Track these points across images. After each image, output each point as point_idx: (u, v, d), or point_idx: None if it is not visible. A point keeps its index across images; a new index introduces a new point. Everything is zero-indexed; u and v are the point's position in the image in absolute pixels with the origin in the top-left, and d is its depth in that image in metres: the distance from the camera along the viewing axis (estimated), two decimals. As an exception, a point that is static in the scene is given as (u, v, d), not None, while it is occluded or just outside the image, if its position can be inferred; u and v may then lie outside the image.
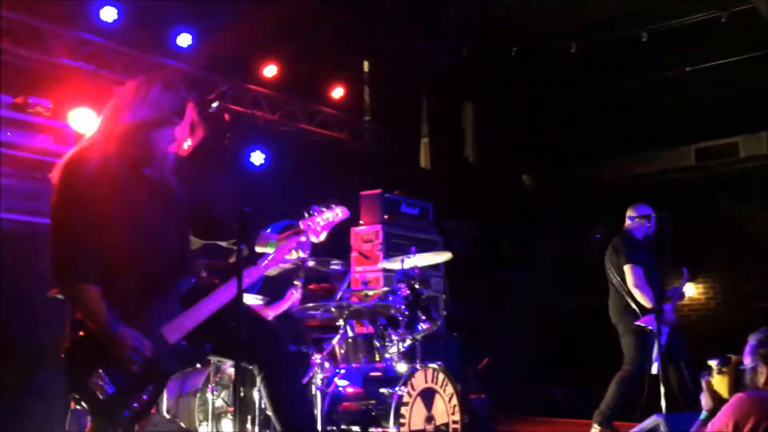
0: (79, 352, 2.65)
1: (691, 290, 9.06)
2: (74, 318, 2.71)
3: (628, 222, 5.79)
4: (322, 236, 3.28)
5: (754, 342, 2.79)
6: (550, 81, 8.35)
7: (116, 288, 2.67)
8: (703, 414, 2.95)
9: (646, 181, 8.81)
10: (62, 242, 2.66)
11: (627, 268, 5.49)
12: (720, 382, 2.91)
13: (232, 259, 3.23)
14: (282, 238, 3.15)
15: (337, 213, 3.31)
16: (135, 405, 2.63)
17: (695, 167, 8.78)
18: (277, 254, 3.12)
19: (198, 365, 3.93)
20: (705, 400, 2.97)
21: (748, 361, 2.79)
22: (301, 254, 3.21)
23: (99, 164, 2.71)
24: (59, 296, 2.80)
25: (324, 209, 3.29)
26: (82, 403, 2.60)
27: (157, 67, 6.42)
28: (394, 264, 4.92)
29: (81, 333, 2.66)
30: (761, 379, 2.73)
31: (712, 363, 2.93)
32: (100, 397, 2.58)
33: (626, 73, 8.04)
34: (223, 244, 3.17)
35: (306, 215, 3.27)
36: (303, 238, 3.19)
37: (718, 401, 2.87)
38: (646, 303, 5.33)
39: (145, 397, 2.66)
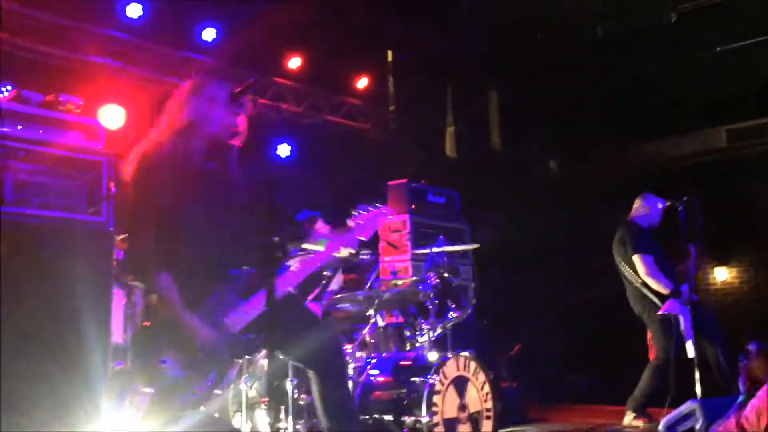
0: (148, 338, 2.77)
1: (724, 274, 8.94)
2: (144, 306, 2.83)
3: (632, 211, 5.75)
4: (370, 234, 3.39)
5: None
6: (576, 66, 8.25)
7: (182, 276, 2.76)
8: (741, 397, 2.91)
9: (678, 165, 8.69)
10: (140, 235, 2.78)
11: (636, 258, 5.48)
12: (758, 366, 2.86)
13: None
14: (331, 237, 3.26)
15: (383, 212, 3.42)
16: (199, 389, 2.74)
17: (727, 149, 8.63)
18: (327, 251, 3.21)
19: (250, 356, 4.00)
20: (743, 384, 2.93)
21: None
22: (351, 251, 3.29)
23: (168, 159, 2.83)
24: (136, 283, 2.88)
25: (370, 208, 3.40)
26: (147, 387, 2.73)
27: (183, 63, 6.48)
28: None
29: (146, 323, 2.76)
30: None
31: (750, 347, 2.88)
32: (167, 381, 2.69)
33: (654, 56, 7.92)
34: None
35: (353, 213, 3.36)
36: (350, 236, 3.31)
37: (757, 384, 2.82)
38: (662, 289, 5.33)
39: (208, 383, 2.76)
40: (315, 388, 3.05)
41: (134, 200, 2.84)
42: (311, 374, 3.05)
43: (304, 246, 3.26)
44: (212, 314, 2.78)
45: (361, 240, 3.35)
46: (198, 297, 2.79)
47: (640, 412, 5.47)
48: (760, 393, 2.57)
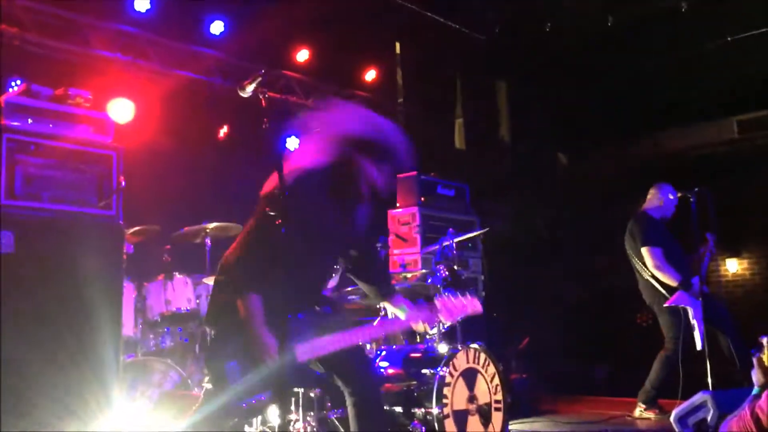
0: (220, 339, 2.95)
1: (735, 266, 8.89)
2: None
3: (646, 201, 5.73)
4: (453, 320, 3.48)
5: None
6: (586, 57, 8.20)
7: (269, 297, 2.89)
8: (755, 389, 2.89)
9: (688, 155, 8.64)
10: (258, 255, 2.90)
11: (645, 251, 5.48)
12: None
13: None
14: (414, 307, 3.35)
15: (473, 305, 3.42)
16: (252, 401, 2.86)
17: (738, 140, 8.57)
18: (405, 322, 3.32)
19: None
20: (756, 376, 2.91)
21: None
22: (428, 329, 3.36)
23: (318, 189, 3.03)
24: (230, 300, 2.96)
25: (460, 296, 3.42)
26: (210, 383, 2.87)
27: (191, 56, 6.48)
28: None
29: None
30: None
31: (763, 340, 2.86)
32: (228, 383, 2.83)
33: (665, 46, 7.86)
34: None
35: (444, 294, 3.42)
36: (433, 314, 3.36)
37: None
38: (671, 282, 5.34)
39: (261, 398, 2.88)
40: (351, 414, 3.11)
41: (260, 227, 2.94)
42: (348, 399, 3.12)
43: (385, 305, 3.39)
44: (286, 339, 2.87)
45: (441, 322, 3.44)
46: (276, 320, 2.89)
47: (650, 404, 5.48)
48: None
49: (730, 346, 5.31)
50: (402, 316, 3.32)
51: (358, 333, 3.11)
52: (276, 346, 2.83)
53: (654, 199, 5.69)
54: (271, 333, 2.85)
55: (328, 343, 3.00)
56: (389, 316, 3.46)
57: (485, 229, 5.34)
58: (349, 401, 3.12)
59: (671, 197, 5.62)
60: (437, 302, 3.37)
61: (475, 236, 5.73)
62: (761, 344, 2.81)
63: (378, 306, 4.63)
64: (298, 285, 2.99)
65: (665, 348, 5.49)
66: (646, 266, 5.50)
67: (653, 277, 5.48)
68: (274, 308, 2.89)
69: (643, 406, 5.54)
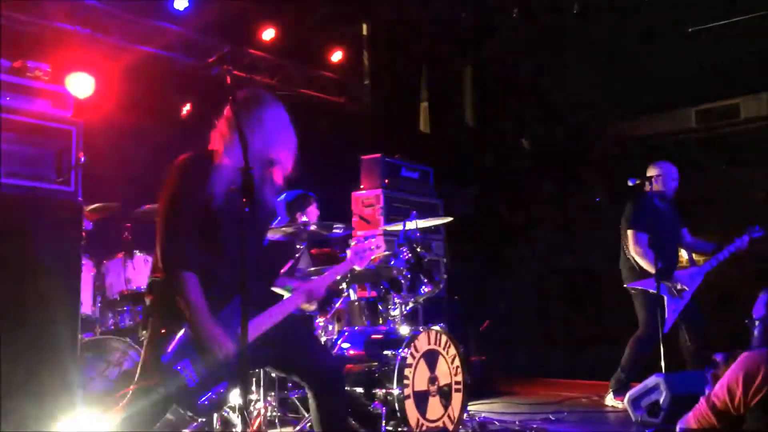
0: (162, 340, 2.77)
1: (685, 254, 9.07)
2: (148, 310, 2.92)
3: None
4: (364, 264, 3.57)
5: None
6: (551, 43, 8.26)
7: (206, 281, 2.80)
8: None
9: (647, 144, 8.76)
10: (173, 230, 2.80)
11: (629, 233, 5.52)
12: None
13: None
14: (335, 268, 3.43)
15: (379, 246, 3.57)
16: (213, 396, 2.78)
17: (695, 129, 8.72)
18: (329, 277, 3.36)
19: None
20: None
21: (762, 313, 2.74)
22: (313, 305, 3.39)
23: (212, 167, 2.89)
24: (160, 280, 2.87)
25: (366, 239, 3.57)
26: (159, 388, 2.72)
27: (153, 31, 6.35)
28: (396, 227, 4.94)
29: (162, 330, 2.78)
30: None
31: (717, 357, 2.90)
32: (185, 385, 2.72)
33: (627, 35, 7.95)
34: None
35: (351, 242, 3.62)
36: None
37: None
38: (649, 268, 5.35)
39: (221, 389, 2.81)
40: (312, 405, 3.09)
41: (171, 196, 2.85)
42: (310, 392, 3.10)
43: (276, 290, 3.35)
44: (229, 323, 2.79)
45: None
46: (219, 304, 2.83)
47: (620, 391, 5.43)
48: (731, 368, 2.59)
49: (687, 342, 5.40)
50: (286, 294, 3.27)
51: (290, 301, 3.10)
52: (227, 337, 2.76)
53: (652, 178, 5.58)
54: (216, 323, 2.77)
55: (267, 318, 2.98)
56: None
57: (449, 219, 5.35)
58: (309, 392, 3.11)
59: (667, 175, 5.59)
60: (349, 251, 3.52)
61: (438, 224, 5.75)
62: (716, 362, 2.85)
63: (339, 287, 4.66)
64: (234, 267, 2.85)
65: (638, 331, 5.55)
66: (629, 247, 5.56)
67: (633, 258, 5.52)
68: (213, 293, 2.81)
69: (612, 393, 5.58)
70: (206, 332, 2.73)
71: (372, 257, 3.57)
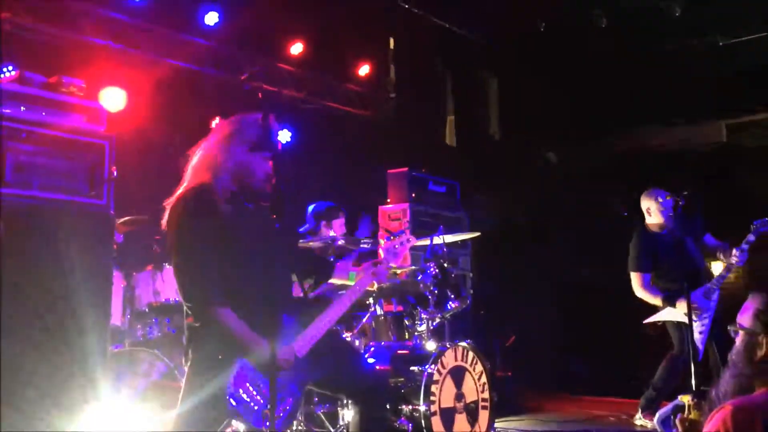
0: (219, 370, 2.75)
1: (720, 268, 8.92)
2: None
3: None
4: (400, 261, 3.53)
5: (758, 306, 2.38)
6: (577, 55, 8.22)
7: (243, 314, 2.80)
8: None
9: (677, 157, 8.68)
10: (195, 271, 2.79)
11: (632, 276, 5.50)
12: (698, 418, 2.54)
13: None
14: (362, 270, 3.36)
15: (409, 239, 3.50)
16: (281, 415, 2.79)
17: (726, 143, 8.62)
18: (358, 285, 3.29)
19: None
20: None
21: (747, 324, 2.38)
22: (382, 284, 3.39)
23: (211, 197, 2.88)
24: (196, 324, 2.88)
25: (397, 235, 3.51)
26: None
27: (184, 46, 6.44)
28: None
29: (220, 356, 2.76)
30: (759, 352, 2.29)
31: (686, 398, 2.60)
32: (254, 407, 2.71)
33: (657, 47, 7.90)
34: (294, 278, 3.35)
35: (382, 241, 3.49)
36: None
37: None
38: (655, 303, 5.35)
39: (288, 407, 2.82)
40: (354, 419, 3.11)
41: (181, 238, 2.86)
42: (355, 407, 3.12)
43: (334, 281, 3.41)
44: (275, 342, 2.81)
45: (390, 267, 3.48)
46: (258, 317, 2.81)
47: (648, 409, 5.38)
48: (710, 424, 2.13)
49: (717, 363, 5.30)
50: (351, 282, 3.34)
51: (332, 310, 3.10)
52: (282, 351, 2.77)
53: (646, 210, 5.56)
54: (263, 339, 2.76)
55: (315, 329, 2.99)
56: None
57: (476, 234, 5.33)
58: (354, 409, 3.13)
59: (659, 201, 5.48)
60: (381, 251, 3.45)
61: (466, 238, 5.72)
62: (683, 404, 2.54)
63: (366, 302, 4.65)
64: (267, 294, 2.88)
65: (670, 353, 5.48)
66: None
67: None
68: (254, 324, 2.82)
69: (641, 412, 5.49)
70: (259, 352, 2.73)
71: (404, 252, 3.51)
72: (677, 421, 2.53)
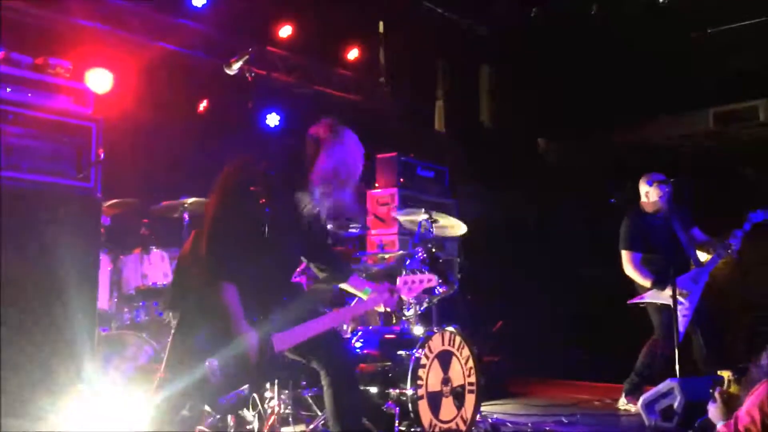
0: (189, 327, 2.92)
1: (705, 257, 8.99)
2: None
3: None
4: (412, 297, 3.73)
5: None
6: (569, 44, 8.22)
7: (244, 293, 2.90)
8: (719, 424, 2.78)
9: (664, 146, 8.72)
10: (223, 241, 2.87)
11: (623, 254, 5.56)
12: (738, 392, 2.70)
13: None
14: (375, 290, 3.42)
15: (430, 279, 3.59)
16: (231, 397, 2.89)
17: (713, 132, 8.66)
18: (369, 303, 3.43)
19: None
20: (717, 413, 2.76)
21: None
22: (387, 309, 3.47)
23: (258, 179, 2.95)
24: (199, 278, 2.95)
25: (419, 272, 3.67)
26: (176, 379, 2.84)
27: (172, 28, 6.38)
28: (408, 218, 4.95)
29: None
30: None
31: (726, 373, 2.74)
32: (210, 381, 2.80)
33: (646, 36, 7.90)
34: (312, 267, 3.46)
35: (404, 272, 3.66)
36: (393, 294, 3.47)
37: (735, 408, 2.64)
38: (644, 283, 5.41)
39: (241, 393, 2.91)
40: (327, 393, 3.14)
41: (230, 206, 2.93)
42: (326, 381, 3.14)
43: (346, 288, 3.45)
44: (263, 332, 2.91)
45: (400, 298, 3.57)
46: (253, 315, 2.92)
47: (632, 393, 5.45)
48: (755, 397, 2.40)
49: (702, 347, 5.35)
50: (364, 297, 3.41)
51: (328, 318, 3.17)
52: (257, 342, 2.85)
53: (645, 194, 5.62)
54: (250, 327, 2.87)
55: (302, 331, 3.05)
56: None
57: (463, 229, 5.32)
58: (324, 381, 3.15)
59: (652, 186, 5.55)
60: (399, 280, 3.52)
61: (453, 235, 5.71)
62: (722, 378, 2.68)
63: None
64: (270, 276, 3.02)
65: (651, 338, 5.53)
66: None
67: None
68: (248, 301, 2.91)
69: (625, 397, 5.56)
70: (241, 338, 2.83)
71: (419, 290, 3.60)
72: (716, 394, 2.73)
